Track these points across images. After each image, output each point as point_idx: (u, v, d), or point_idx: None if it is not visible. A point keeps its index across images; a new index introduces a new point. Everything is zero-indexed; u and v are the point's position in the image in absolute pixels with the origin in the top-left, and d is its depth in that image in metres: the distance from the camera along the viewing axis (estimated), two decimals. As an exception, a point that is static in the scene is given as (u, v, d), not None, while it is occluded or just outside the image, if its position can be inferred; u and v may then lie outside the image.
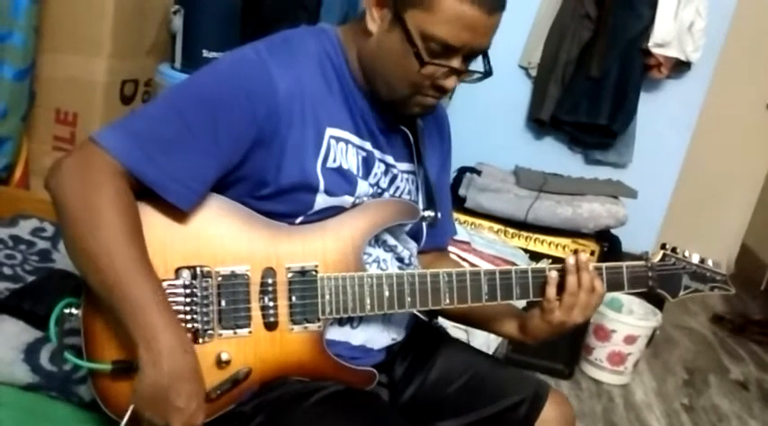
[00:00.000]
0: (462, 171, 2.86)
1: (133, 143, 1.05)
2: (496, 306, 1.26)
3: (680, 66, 2.94)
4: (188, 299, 1.10)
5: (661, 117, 3.06)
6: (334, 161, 1.16)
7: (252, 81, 1.09)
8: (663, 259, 1.32)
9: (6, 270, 1.56)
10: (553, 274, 1.22)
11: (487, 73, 1.17)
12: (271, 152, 1.11)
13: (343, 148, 1.17)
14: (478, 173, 2.86)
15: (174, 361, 1.01)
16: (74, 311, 1.09)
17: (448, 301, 1.21)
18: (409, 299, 1.19)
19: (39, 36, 2.03)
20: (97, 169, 1.03)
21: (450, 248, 2.04)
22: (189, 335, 1.09)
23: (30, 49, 2.00)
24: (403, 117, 1.25)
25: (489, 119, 3.05)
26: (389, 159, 1.25)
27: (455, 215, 2.64)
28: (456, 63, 1.12)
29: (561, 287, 1.22)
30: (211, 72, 1.12)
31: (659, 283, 1.31)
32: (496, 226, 2.76)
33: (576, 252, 1.23)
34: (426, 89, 1.15)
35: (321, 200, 1.15)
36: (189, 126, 1.06)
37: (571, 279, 1.21)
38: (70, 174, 1.03)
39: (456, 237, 2.36)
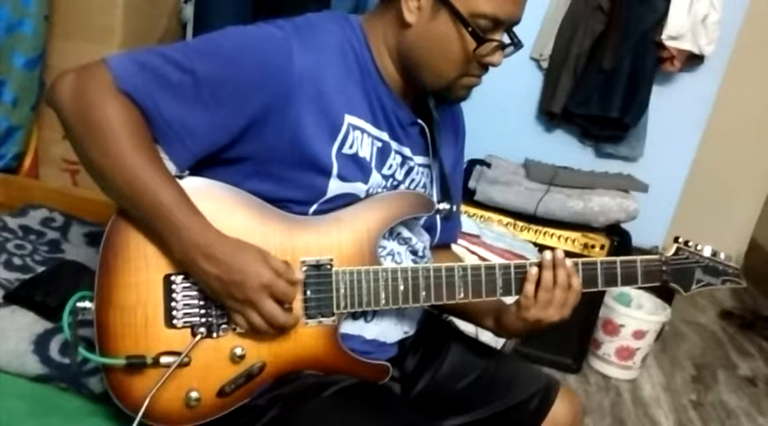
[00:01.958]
0: (472, 163, 2.84)
1: (137, 71, 1.05)
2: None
3: (693, 60, 2.91)
4: (203, 293, 1.09)
5: (673, 110, 3.03)
6: (351, 148, 1.15)
7: (270, 53, 1.09)
8: (676, 252, 1.31)
9: (16, 261, 1.56)
10: (533, 270, 1.19)
11: (519, 44, 1.18)
12: (282, 128, 1.09)
13: (359, 136, 1.16)
14: (488, 165, 2.85)
15: (225, 247, 1.04)
16: (87, 305, 1.08)
17: (462, 295, 1.20)
18: (424, 293, 1.18)
19: (50, 24, 2.03)
20: (96, 85, 1.04)
21: (460, 241, 2.04)
22: (203, 330, 1.09)
23: (40, 38, 1.99)
24: (422, 110, 1.25)
25: (500, 111, 3.02)
26: (406, 151, 1.24)
27: (465, 207, 2.64)
28: (501, 37, 1.15)
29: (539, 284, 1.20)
30: (233, 35, 1.12)
31: (672, 277, 1.30)
32: (506, 219, 2.74)
33: (553, 249, 1.21)
34: (474, 69, 1.16)
35: (334, 186, 1.14)
36: (196, 76, 1.06)
37: (547, 275, 1.19)
38: (69, 89, 1.04)
39: (466, 230, 2.35)
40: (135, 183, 1.03)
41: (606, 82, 2.83)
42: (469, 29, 1.11)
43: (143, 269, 1.08)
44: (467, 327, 1.54)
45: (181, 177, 1.10)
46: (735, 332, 3.63)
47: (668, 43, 2.80)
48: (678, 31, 2.76)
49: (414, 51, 1.16)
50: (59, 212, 1.79)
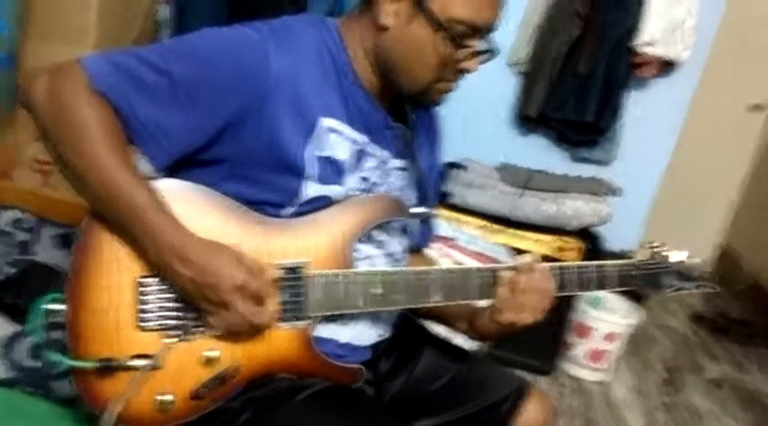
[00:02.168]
0: (448, 166, 2.85)
1: (112, 71, 1.05)
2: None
3: (668, 65, 2.95)
4: (176, 296, 1.08)
5: (648, 116, 3.06)
6: (327, 150, 1.15)
7: (247, 55, 1.08)
8: (650, 257, 1.32)
9: (-14, 262, 1.54)
10: (508, 274, 1.20)
11: (495, 51, 1.19)
12: (258, 130, 1.09)
13: (335, 139, 1.16)
14: (464, 168, 2.86)
15: (198, 249, 1.04)
16: (59, 306, 1.07)
17: (438, 298, 1.20)
18: (398, 297, 1.18)
19: (23, 24, 2.00)
20: (71, 85, 1.03)
21: (434, 244, 2.04)
22: (176, 333, 1.09)
23: (13, 37, 1.97)
24: (398, 113, 1.25)
25: (476, 114, 3.04)
26: (383, 154, 1.24)
27: (439, 210, 2.65)
28: (477, 43, 1.15)
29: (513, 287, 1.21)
30: (209, 36, 1.11)
31: (645, 281, 1.31)
32: (481, 223, 2.76)
33: (528, 252, 1.23)
34: (449, 74, 1.17)
35: (310, 188, 1.14)
36: (172, 78, 1.05)
37: (522, 279, 1.19)
38: (44, 89, 1.03)
39: (440, 233, 2.36)
40: (109, 184, 1.02)
41: (582, 86, 2.86)
42: (446, 34, 1.11)
43: (115, 271, 1.07)
44: (440, 330, 1.54)
45: (155, 178, 1.10)
46: (705, 336, 3.68)
47: (644, 49, 2.83)
48: (654, 36, 2.79)
49: (390, 55, 1.16)
50: (31, 213, 1.77)
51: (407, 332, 1.41)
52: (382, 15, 1.14)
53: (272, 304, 1.11)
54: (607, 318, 2.84)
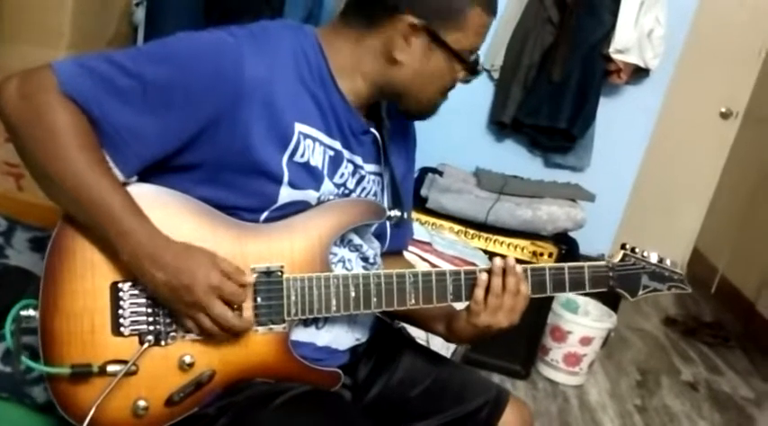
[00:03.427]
0: (424, 171, 2.86)
1: (84, 75, 1.04)
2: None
3: (639, 73, 2.99)
4: (150, 301, 1.08)
5: (619, 122, 3.10)
6: (302, 156, 1.15)
7: (222, 59, 1.08)
8: (623, 259, 1.33)
9: (-43, 267, 1.51)
10: (483, 276, 1.21)
11: (481, 69, 1.30)
12: (232, 135, 1.09)
13: (311, 145, 1.16)
14: (440, 173, 2.87)
15: (172, 251, 1.04)
16: (31, 313, 1.06)
17: (413, 301, 1.20)
18: (375, 300, 1.18)
19: (-5, 25, 1.98)
20: (42, 89, 1.03)
21: (411, 248, 2.05)
22: (151, 338, 1.08)
23: (-16, 38, 1.94)
24: (372, 119, 1.27)
25: (451, 120, 3.03)
26: (358, 160, 1.25)
27: (416, 215, 2.66)
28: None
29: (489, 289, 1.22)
30: (183, 40, 1.11)
31: (619, 283, 1.32)
32: (457, 227, 2.77)
33: (503, 256, 1.24)
34: (449, 90, 1.26)
35: (285, 194, 1.14)
36: (144, 82, 1.05)
37: (496, 281, 1.20)
38: (15, 93, 1.03)
39: (417, 237, 2.37)
40: (83, 188, 1.01)
41: (555, 93, 2.88)
42: (464, 65, 1.21)
43: (90, 275, 1.07)
44: (418, 334, 1.54)
45: (128, 184, 1.09)
46: (678, 339, 3.73)
47: (615, 56, 2.86)
48: (625, 44, 2.82)
49: (402, 85, 1.20)
50: (2, 217, 1.75)
51: (386, 336, 1.42)
52: (394, 50, 1.16)
53: (247, 309, 1.11)
54: (582, 322, 2.87)
